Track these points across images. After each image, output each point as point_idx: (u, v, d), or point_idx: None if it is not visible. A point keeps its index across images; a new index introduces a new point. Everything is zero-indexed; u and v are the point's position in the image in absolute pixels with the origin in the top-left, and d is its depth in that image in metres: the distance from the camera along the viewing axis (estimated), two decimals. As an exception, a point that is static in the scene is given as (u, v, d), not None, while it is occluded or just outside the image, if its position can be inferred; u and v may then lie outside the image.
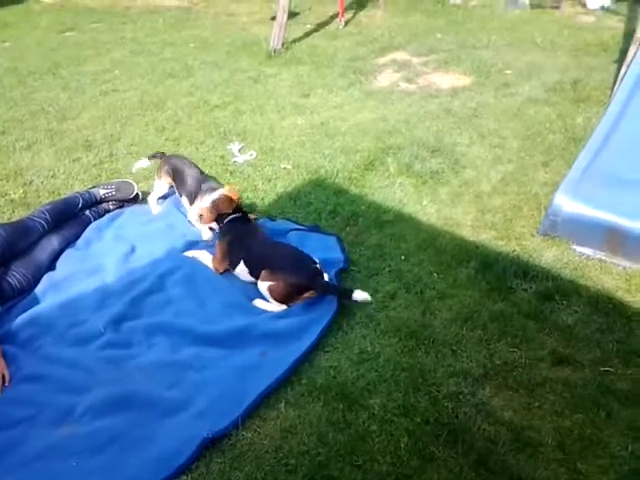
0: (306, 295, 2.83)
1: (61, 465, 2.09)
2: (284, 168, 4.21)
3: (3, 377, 2.45)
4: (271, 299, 2.84)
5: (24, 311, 2.79)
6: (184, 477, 2.09)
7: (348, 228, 3.50)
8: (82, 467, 2.09)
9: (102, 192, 3.60)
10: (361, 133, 4.69)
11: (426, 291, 2.96)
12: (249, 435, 2.24)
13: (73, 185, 4.08)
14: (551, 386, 2.42)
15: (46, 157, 4.49)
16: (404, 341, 2.65)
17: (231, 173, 4.18)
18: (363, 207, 3.70)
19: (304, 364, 2.56)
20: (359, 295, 2.74)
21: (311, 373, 2.51)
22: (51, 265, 3.15)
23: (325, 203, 3.74)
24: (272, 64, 6.39)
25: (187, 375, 2.45)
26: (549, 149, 4.28)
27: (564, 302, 2.86)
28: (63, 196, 3.69)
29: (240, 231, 3.08)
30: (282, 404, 2.37)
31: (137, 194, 3.73)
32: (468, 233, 3.41)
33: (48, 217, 3.22)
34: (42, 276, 3.04)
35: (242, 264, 2.99)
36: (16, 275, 2.92)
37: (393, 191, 3.86)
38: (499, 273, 3.04)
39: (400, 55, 6.45)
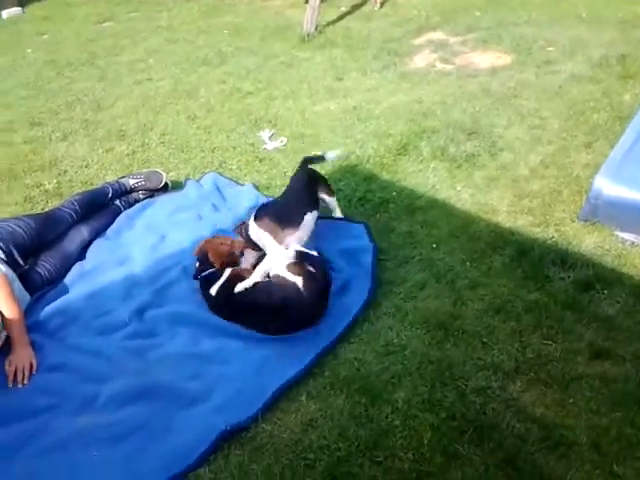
0: None
1: (82, 454, 2.10)
2: (314, 154, 4.11)
3: (31, 366, 2.47)
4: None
5: (53, 301, 2.82)
6: (202, 469, 2.08)
7: (378, 215, 3.41)
8: (103, 457, 2.10)
9: (132, 182, 3.61)
10: (394, 116, 4.56)
11: (457, 280, 2.86)
12: (269, 428, 2.21)
13: (105, 175, 4.11)
14: (587, 381, 2.30)
15: (80, 147, 4.54)
16: (432, 332, 2.57)
17: (260, 160, 4.13)
18: (394, 193, 3.59)
19: (328, 356, 2.50)
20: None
21: (334, 365, 2.45)
22: (81, 255, 3.18)
23: (355, 190, 3.65)
24: (305, 48, 6.29)
25: (208, 367, 2.44)
26: (593, 129, 4.07)
27: (605, 291, 2.71)
28: (93, 187, 3.70)
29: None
30: (303, 397, 2.32)
31: (166, 183, 3.73)
32: (504, 219, 3.27)
33: (77, 207, 3.24)
34: (71, 266, 3.06)
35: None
36: (45, 265, 2.95)
37: (426, 176, 3.74)
38: (535, 261, 2.90)
39: (437, 35, 6.25)
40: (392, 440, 2.13)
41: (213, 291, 2.68)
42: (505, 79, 5.04)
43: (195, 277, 2.82)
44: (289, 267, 2.62)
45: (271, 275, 2.67)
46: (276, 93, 5.27)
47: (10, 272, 2.72)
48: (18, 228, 2.87)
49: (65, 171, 4.22)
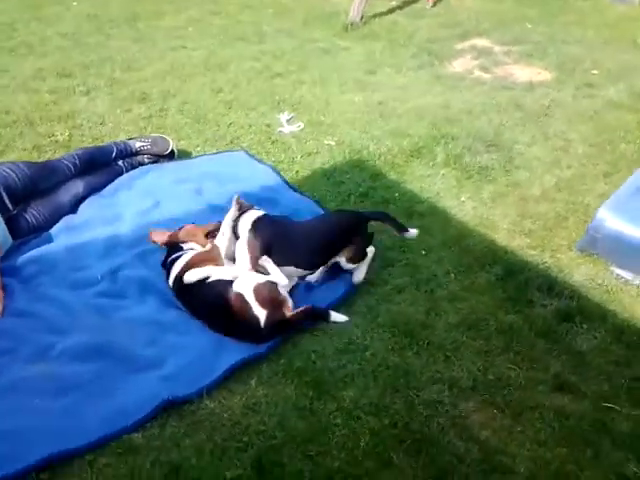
0: None
1: (24, 401, 2.16)
2: (327, 144, 4.14)
3: (-3, 308, 2.55)
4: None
5: (34, 248, 2.90)
6: (136, 434, 2.12)
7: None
8: (43, 406, 2.15)
9: (138, 145, 3.67)
10: (418, 118, 4.54)
11: (437, 290, 2.85)
12: (211, 405, 2.24)
13: (118, 135, 4.18)
14: (542, 412, 2.27)
15: (101, 104, 4.63)
16: (398, 338, 2.56)
17: (273, 142, 4.16)
18: (397, 194, 3.58)
19: (287, 344, 2.51)
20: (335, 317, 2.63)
21: (292, 354, 2.47)
22: (73, 208, 3.25)
23: (358, 185, 3.65)
24: (346, 37, 6.28)
25: (167, 336, 2.48)
26: (617, 160, 3.98)
27: (584, 325, 2.67)
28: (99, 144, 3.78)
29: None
30: (253, 380, 2.35)
31: (173, 151, 3.78)
32: (501, 237, 3.24)
33: (77, 162, 3.31)
34: (61, 217, 3.13)
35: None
36: (34, 213, 3.03)
37: (433, 182, 3.72)
38: (521, 283, 2.87)
39: (482, 42, 6.18)
40: (329, 437, 2.13)
41: (170, 281, 2.69)
42: (540, 96, 4.96)
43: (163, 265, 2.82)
44: (257, 292, 2.49)
45: (235, 287, 2.53)
46: (305, 78, 5.28)
47: (-4, 214, 2.80)
48: (12, 173, 2.95)
49: (80, 125, 4.31)
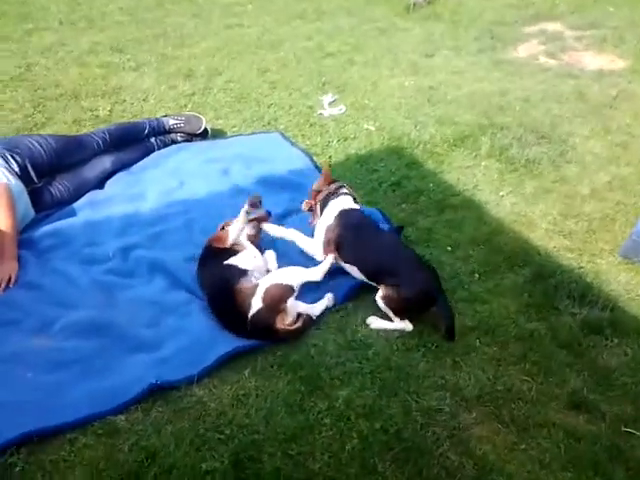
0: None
1: (17, 373, 2.20)
2: (366, 129, 4.03)
3: (10, 279, 2.61)
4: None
5: (54, 222, 2.95)
6: (121, 416, 2.12)
7: (405, 205, 3.28)
8: (34, 380, 2.19)
9: (171, 122, 3.68)
10: (468, 105, 4.34)
11: (457, 290, 2.71)
12: (200, 393, 2.21)
13: (158, 111, 4.22)
14: (551, 431, 2.11)
15: (147, 80, 4.69)
16: (405, 339, 2.45)
17: (311, 125, 4.09)
18: (431, 185, 3.44)
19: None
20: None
21: (291, 346, 2.40)
22: (100, 184, 3.29)
23: (392, 173, 3.53)
24: (407, 17, 6.11)
25: (167, 318, 2.47)
26: (684, 160, 3.66)
27: (615, 340, 2.47)
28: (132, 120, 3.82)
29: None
30: (247, 371, 2.30)
31: (206, 130, 3.77)
32: (537, 236, 3.05)
33: (107, 137, 3.35)
34: (86, 192, 3.18)
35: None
36: (59, 187, 3.09)
37: (473, 174, 3.55)
38: (550, 289, 2.69)
39: (553, 26, 5.84)
40: (315, 437, 2.07)
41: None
42: (608, 86, 4.63)
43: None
44: (269, 289, 2.42)
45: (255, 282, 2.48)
46: (358, 58, 5.17)
47: (19, 185, 2.87)
48: (38, 146, 3.01)
49: (123, 100, 4.37)
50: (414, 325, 2.49)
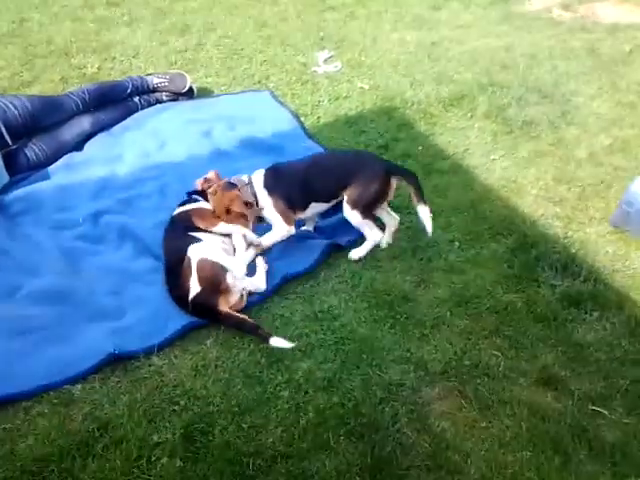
0: None
1: (-19, 340, 2.21)
2: (360, 87, 3.91)
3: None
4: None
5: (28, 185, 2.92)
6: (78, 385, 2.12)
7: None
8: (-4, 347, 2.19)
9: (155, 81, 3.62)
10: (470, 61, 4.18)
11: (434, 259, 2.64)
12: (159, 363, 2.21)
13: (147, 69, 4.16)
14: (515, 409, 2.06)
15: (140, 36, 4.61)
16: (373, 309, 2.41)
17: (303, 83, 3.98)
18: (420, 148, 3.33)
19: (255, 305, 2.42)
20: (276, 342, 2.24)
21: (256, 316, 2.37)
22: (79, 146, 3.25)
23: (381, 135, 3.43)
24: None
25: (131, 287, 2.45)
26: (693, 121, 3.48)
27: (595, 313, 2.39)
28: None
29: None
30: (209, 340, 2.29)
31: (191, 88, 3.70)
32: (526, 203, 2.94)
33: (87, 97, 3.30)
34: (63, 155, 3.14)
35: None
36: (35, 149, 3.06)
37: (466, 136, 3.43)
38: (531, 259, 2.60)
39: (574, -26, 5.53)
40: (270, 410, 2.05)
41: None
42: (623, 40, 4.42)
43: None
44: (201, 266, 2.35)
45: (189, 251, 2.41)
46: (360, 12, 5.01)
47: (-8, 148, 2.84)
48: (12, 107, 2.97)
49: (113, 57, 4.31)
50: (386, 295, 2.43)
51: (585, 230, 2.77)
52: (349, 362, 2.20)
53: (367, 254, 2.62)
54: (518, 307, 2.41)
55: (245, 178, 2.60)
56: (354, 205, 2.54)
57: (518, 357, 2.24)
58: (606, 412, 2.05)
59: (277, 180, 2.58)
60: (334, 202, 2.65)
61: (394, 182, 2.59)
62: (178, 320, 2.30)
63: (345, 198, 2.56)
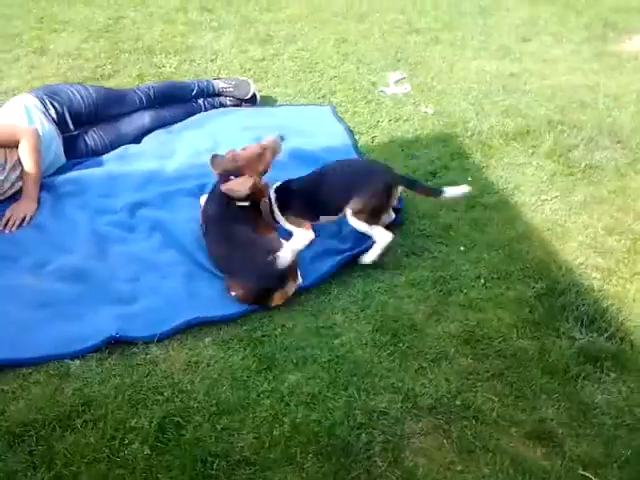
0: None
1: (3, 307, 2.41)
2: (424, 112, 3.92)
3: (24, 218, 2.85)
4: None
5: (82, 169, 3.15)
6: (77, 361, 2.27)
7: (433, 198, 3.15)
8: (13, 316, 2.39)
9: (221, 85, 3.80)
10: (547, 97, 4.09)
11: (454, 293, 2.61)
12: (156, 353, 2.32)
13: (221, 74, 4.35)
14: (498, 458, 2.00)
15: (223, 42, 4.84)
16: (377, 334, 2.41)
17: (367, 102, 4.05)
18: (470, 179, 3.30)
19: (260, 312, 2.50)
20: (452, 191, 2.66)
21: (259, 322, 2.45)
22: (138, 139, 3.47)
23: (431, 162, 3.43)
24: (517, -3, 5.80)
25: (149, 275, 2.58)
26: None
27: (612, 374, 2.28)
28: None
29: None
30: (208, 339, 2.38)
31: (254, 95, 3.85)
32: (567, 250, 2.85)
33: (152, 93, 3.52)
34: (120, 145, 3.37)
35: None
36: (94, 137, 3.30)
37: (521, 172, 3.36)
38: (556, 307, 2.52)
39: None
40: (248, 416, 2.10)
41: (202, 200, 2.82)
42: None
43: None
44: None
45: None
46: (445, 37, 5.02)
47: (52, 132, 3.10)
48: (78, 95, 3.23)
49: (192, 60, 4.55)
50: (393, 321, 2.43)
51: (625, 286, 2.64)
52: (338, 382, 2.22)
53: (380, 256, 2.69)
54: (529, 354, 2.34)
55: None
56: (359, 217, 2.65)
57: (516, 406, 2.17)
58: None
59: (286, 197, 2.76)
60: (342, 214, 2.71)
61: (396, 191, 2.73)
62: (187, 314, 2.39)
63: (349, 212, 2.65)
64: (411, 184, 2.79)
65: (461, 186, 2.75)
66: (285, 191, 2.79)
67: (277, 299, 2.50)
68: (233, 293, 2.51)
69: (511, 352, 2.34)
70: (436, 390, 2.20)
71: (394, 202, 2.78)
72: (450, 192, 2.72)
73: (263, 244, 2.56)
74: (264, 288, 2.47)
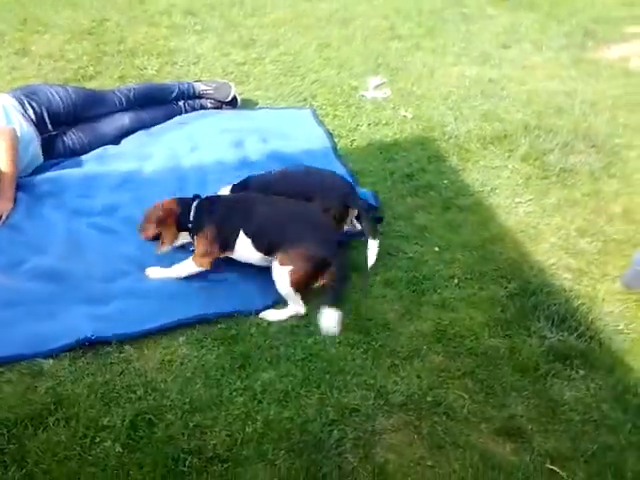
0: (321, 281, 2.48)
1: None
2: (403, 116, 3.96)
3: (0, 217, 2.85)
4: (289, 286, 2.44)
5: (60, 169, 3.16)
6: (50, 360, 2.27)
7: (410, 198, 3.22)
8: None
9: (202, 87, 3.82)
10: (524, 102, 4.15)
11: (427, 294, 2.64)
12: (130, 352, 2.32)
13: (203, 76, 4.37)
14: (467, 453, 2.03)
15: (206, 45, 4.87)
16: (352, 332, 2.44)
17: (347, 106, 4.09)
18: (446, 182, 3.35)
19: (237, 310, 2.51)
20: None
21: (235, 321, 2.46)
22: (117, 140, 3.48)
23: (409, 165, 3.47)
24: (499, 5, 5.92)
25: (124, 278, 2.59)
26: None
27: (580, 371, 2.32)
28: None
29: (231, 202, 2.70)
30: (182, 338, 2.39)
31: (235, 98, 3.87)
32: (539, 251, 2.89)
33: (132, 95, 3.53)
34: (100, 146, 3.37)
35: (242, 236, 2.54)
36: (73, 137, 3.31)
37: (496, 175, 3.41)
38: (527, 307, 2.56)
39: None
40: (220, 414, 2.11)
41: None
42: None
43: None
44: None
45: None
46: (426, 44, 5.07)
47: (30, 133, 3.10)
48: (57, 96, 3.24)
49: (174, 62, 4.58)
50: (367, 320, 2.46)
51: (595, 286, 2.69)
52: (311, 379, 2.24)
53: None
54: (500, 353, 2.37)
55: None
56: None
57: (486, 403, 2.20)
58: (564, 474, 1.99)
59: None
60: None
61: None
62: (158, 318, 2.40)
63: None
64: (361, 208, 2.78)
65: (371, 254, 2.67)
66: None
67: (326, 276, 2.45)
68: (287, 269, 2.41)
69: (482, 350, 2.37)
70: (408, 387, 2.22)
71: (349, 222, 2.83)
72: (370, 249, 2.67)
73: (319, 213, 2.60)
74: (322, 257, 2.43)
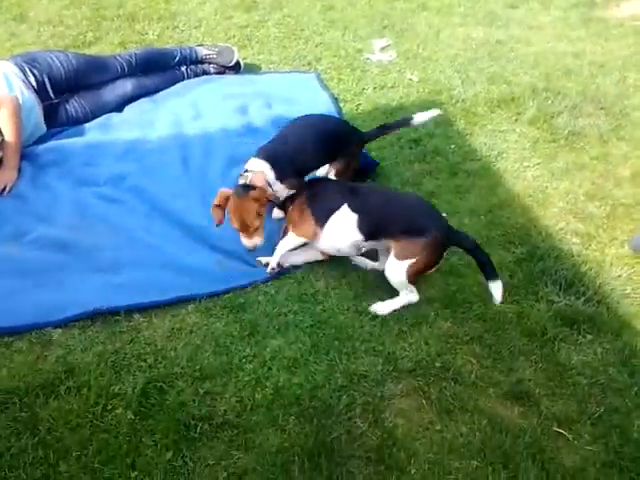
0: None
1: (-19, 274, 2.42)
2: (409, 79, 3.90)
3: (4, 189, 2.83)
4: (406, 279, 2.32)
5: (63, 138, 3.13)
6: (59, 329, 2.28)
7: (417, 164, 3.19)
8: (-5, 284, 2.39)
9: (204, 52, 3.75)
10: (532, 64, 4.08)
11: (434, 260, 2.61)
12: (140, 320, 2.34)
13: (205, 40, 4.29)
14: (475, 417, 2.05)
15: (208, 8, 4.76)
16: (360, 299, 2.46)
17: (352, 69, 4.02)
18: (453, 146, 3.31)
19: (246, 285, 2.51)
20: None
21: (240, 289, 2.47)
22: (120, 108, 3.44)
23: (416, 130, 3.42)
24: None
25: (133, 247, 2.59)
26: None
27: (588, 336, 2.33)
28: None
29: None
30: (191, 306, 2.40)
31: (238, 63, 3.81)
32: (547, 215, 2.88)
33: (133, 61, 3.48)
34: (103, 114, 3.34)
35: (344, 210, 2.38)
36: (75, 105, 3.27)
37: (504, 139, 3.37)
38: (535, 272, 2.56)
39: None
40: (230, 380, 2.14)
41: None
42: None
43: None
44: None
45: None
46: (432, 4, 4.97)
47: (32, 100, 3.06)
48: (58, 62, 3.19)
49: (175, 27, 4.49)
50: (375, 287, 2.46)
51: (603, 250, 2.68)
52: (320, 346, 2.25)
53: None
54: (508, 318, 2.38)
55: None
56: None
57: (494, 367, 2.21)
58: (569, 436, 2.01)
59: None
60: None
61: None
62: (167, 289, 2.41)
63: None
64: (380, 131, 2.87)
65: (430, 110, 2.82)
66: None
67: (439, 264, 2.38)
68: (407, 262, 2.30)
69: (490, 316, 2.38)
70: (416, 353, 2.24)
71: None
72: (418, 118, 2.81)
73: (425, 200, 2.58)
74: (442, 245, 2.35)
